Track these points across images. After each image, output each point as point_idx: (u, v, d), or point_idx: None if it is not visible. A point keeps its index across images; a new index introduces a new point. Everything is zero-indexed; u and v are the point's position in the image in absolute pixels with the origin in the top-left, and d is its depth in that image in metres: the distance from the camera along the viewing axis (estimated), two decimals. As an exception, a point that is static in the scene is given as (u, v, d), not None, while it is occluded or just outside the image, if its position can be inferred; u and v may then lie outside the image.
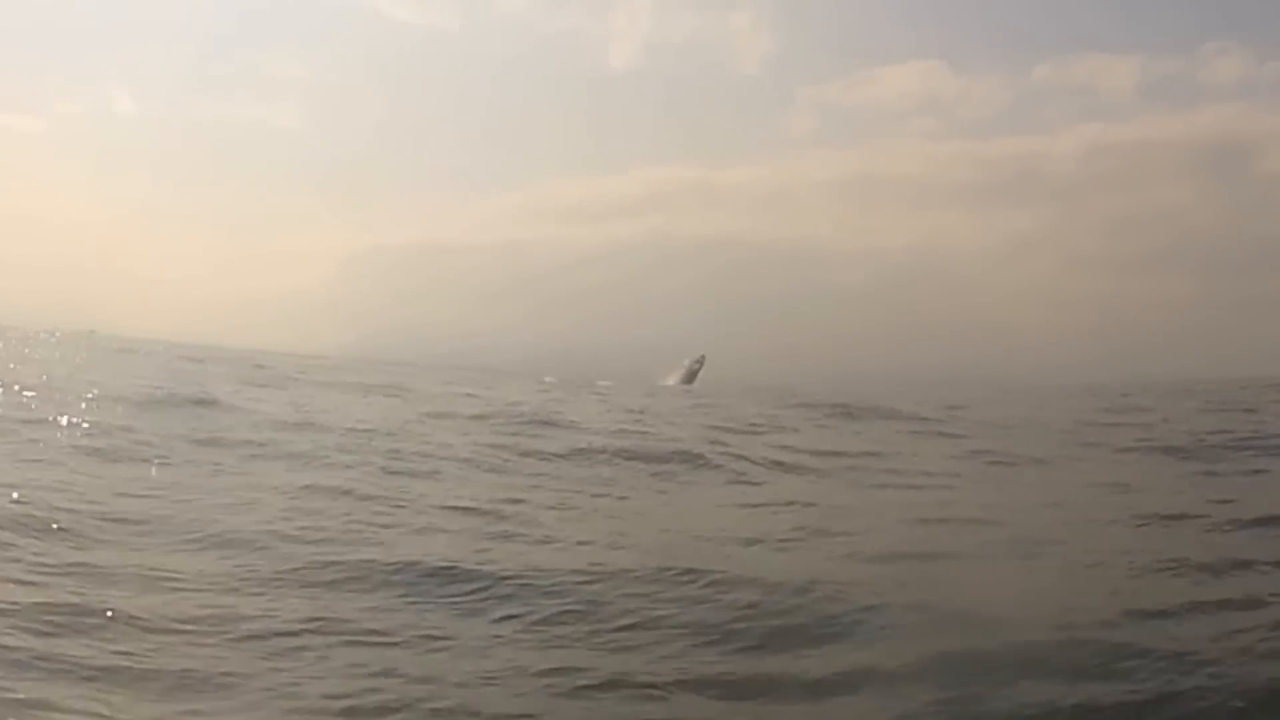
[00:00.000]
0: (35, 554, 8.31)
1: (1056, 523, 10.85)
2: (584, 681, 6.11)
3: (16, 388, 21.14)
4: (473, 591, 7.94)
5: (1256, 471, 15.15)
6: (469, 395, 27.71)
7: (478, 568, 8.47)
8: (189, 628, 6.82)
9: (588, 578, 8.17)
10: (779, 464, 16.26)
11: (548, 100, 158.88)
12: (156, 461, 13.73)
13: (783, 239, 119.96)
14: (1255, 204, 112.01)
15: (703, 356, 58.83)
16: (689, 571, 8.22)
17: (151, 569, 8.19)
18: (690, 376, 56.98)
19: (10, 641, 6.21)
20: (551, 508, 11.98)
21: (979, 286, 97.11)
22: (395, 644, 6.76)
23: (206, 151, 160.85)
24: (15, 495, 10.02)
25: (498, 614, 7.48)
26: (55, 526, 9.20)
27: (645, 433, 19.40)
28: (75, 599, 7.13)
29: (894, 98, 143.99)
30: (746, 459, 16.39)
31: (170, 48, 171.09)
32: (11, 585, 7.38)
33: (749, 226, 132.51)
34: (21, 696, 5.44)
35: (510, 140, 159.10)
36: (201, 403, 19.98)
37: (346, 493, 12.04)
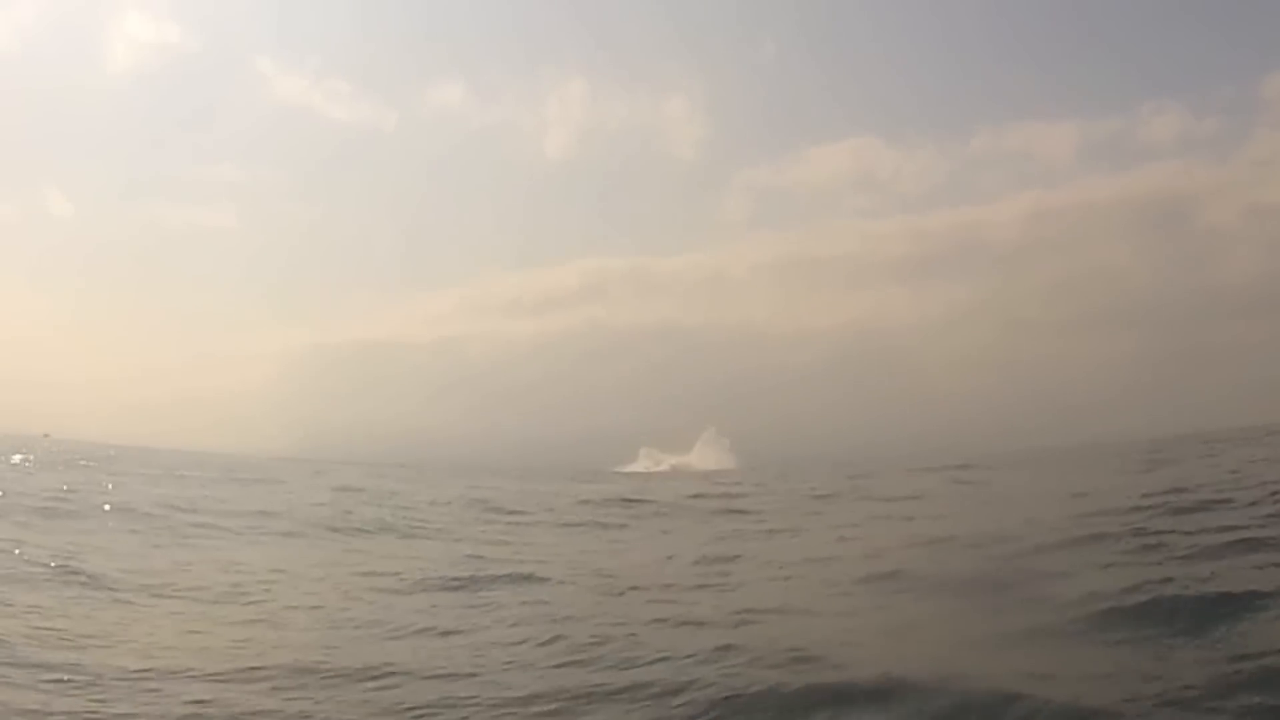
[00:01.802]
0: None
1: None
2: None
3: None
4: None
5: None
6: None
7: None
8: None
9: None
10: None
11: (483, 193, 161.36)
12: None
13: (722, 323, 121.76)
14: (1195, 258, 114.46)
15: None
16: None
17: None
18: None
19: None
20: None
21: (922, 358, 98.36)
22: None
23: (143, 253, 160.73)
24: None
25: None
26: None
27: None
28: None
29: (829, 176, 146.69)
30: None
31: (104, 149, 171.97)
32: None
33: (688, 312, 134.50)
34: None
35: (447, 235, 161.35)
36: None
37: None
